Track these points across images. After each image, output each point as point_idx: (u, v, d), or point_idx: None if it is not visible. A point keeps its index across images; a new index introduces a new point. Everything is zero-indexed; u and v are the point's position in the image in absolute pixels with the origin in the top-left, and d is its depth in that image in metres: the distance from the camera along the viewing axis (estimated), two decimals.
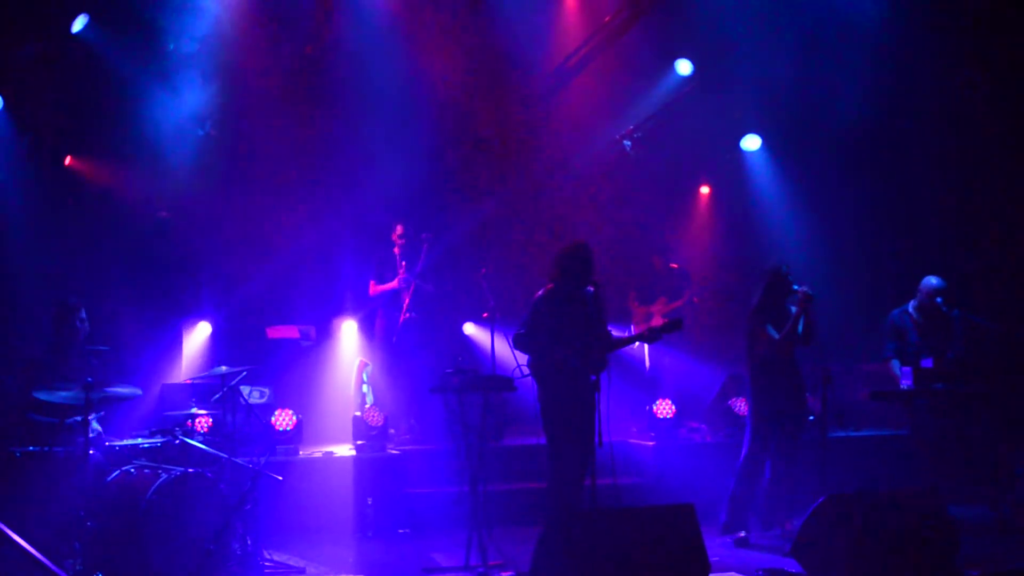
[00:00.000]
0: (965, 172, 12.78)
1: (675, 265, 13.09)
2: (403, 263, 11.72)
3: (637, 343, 9.88)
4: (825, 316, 9.62)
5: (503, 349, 9.43)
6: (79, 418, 8.12)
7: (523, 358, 8.57)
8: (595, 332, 8.39)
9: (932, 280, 10.12)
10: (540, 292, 8.51)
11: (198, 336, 12.06)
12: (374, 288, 11.89)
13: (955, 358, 9.99)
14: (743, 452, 9.33)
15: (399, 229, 11.87)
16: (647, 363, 12.46)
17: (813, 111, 12.84)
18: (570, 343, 8.28)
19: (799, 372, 9.31)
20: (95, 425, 8.60)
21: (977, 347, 10.26)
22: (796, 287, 9.15)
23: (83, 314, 8.87)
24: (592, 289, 8.41)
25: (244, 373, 8.75)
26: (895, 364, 10.12)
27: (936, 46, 11.99)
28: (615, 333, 8.64)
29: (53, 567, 4.42)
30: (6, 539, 4.45)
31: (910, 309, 10.24)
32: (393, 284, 11.73)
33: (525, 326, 8.42)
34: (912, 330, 10.16)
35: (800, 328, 9.14)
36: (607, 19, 12.45)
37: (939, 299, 9.99)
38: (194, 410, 8.95)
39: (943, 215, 13.00)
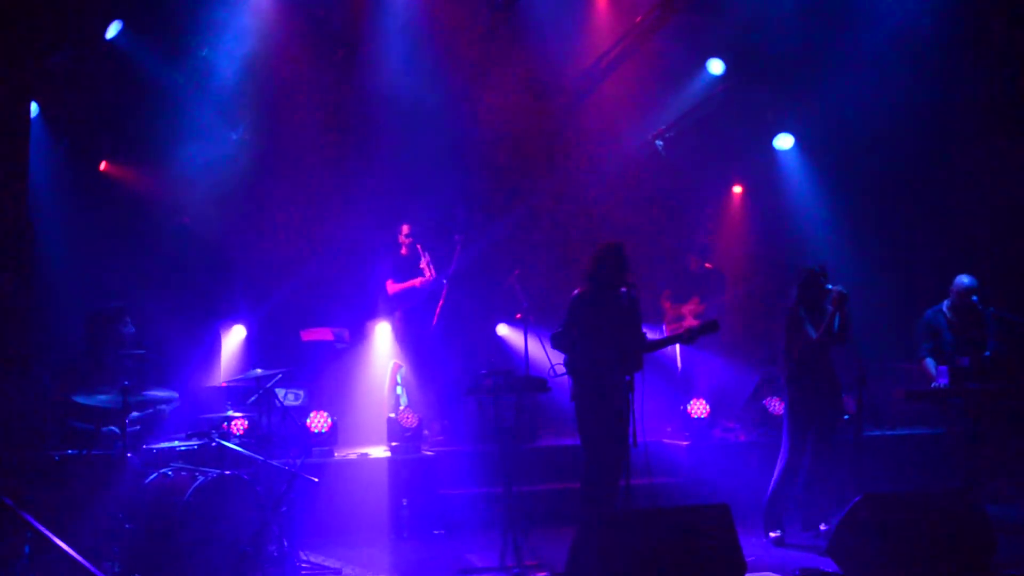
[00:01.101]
0: (1000, 169, 12.67)
1: (710, 265, 13.05)
2: (426, 257, 11.76)
3: (675, 344, 9.84)
4: (859, 315, 9.58)
5: (536, 350, 9.46)
6: (115, 428, 8.19)
7: (557, 357, 8.57)
8: (631, 333, 8.39)
9: (964, 279, 10.07)
10: (576, 292, 8.51)
11: (233, 339, 12.12)
12: (392, 287, 11.93)
13: (991, 356, 9.92)
14: (781, 452, 9.30)
15: (405, 229, 11.95)
16: (679, 363, 12.42)
17: (846, 109, 12.77)
18: (608, 343, 8.28)
19: (834, 371, 9.30)
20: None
21: (1012, 345, 10.19)
22: (830, 286, 9.13)
23: (127, 319, 8.90)
24: (626, 290, 8.41)
25: (279, 376, 8.80)
26: (930, 363, 10.07)
27: (975, 43, 11.91)
28: (649, 335, 8.63)
29: (93, 569, 4.46)
30: (47, 542, 4.50)
31: (944, 309, 10.19)
32: (415, 282, 11.77)
33: (563, 325, 8.43)
34: (947, 329, 10.11)
35: (835, 327, 9.13)
36: (638, 19, 12.43)
37: (974, 297, 9.93)
38: (230, 413, 8.99)
39: (977, 213, 12.89)
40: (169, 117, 11.63)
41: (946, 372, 9.74)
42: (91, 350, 8.81)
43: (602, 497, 8.31)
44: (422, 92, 12.44)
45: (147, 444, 8.54)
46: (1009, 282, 11.50)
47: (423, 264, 11.81)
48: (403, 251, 11.94)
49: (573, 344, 8.38)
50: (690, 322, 12.26)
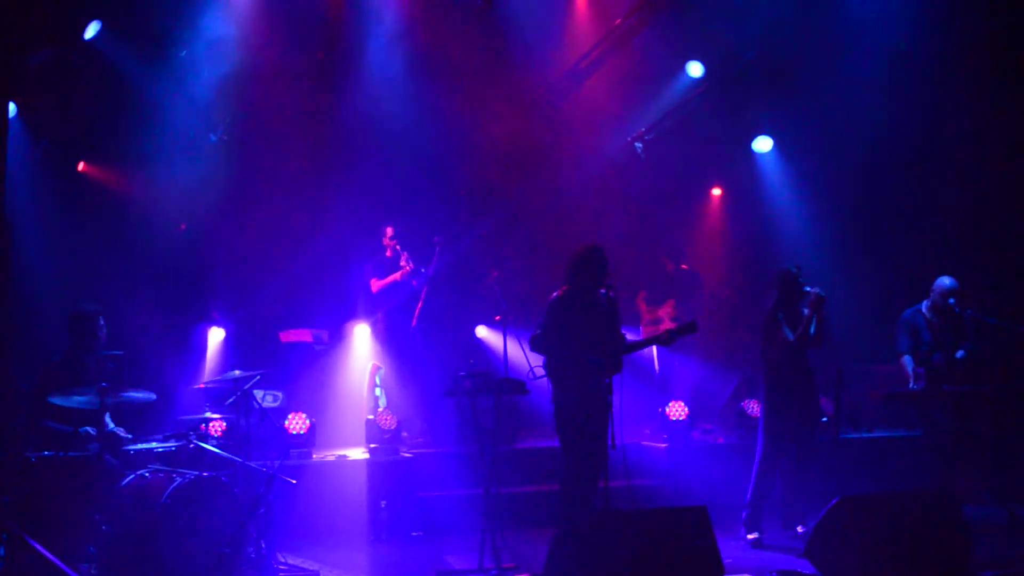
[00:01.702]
0: (979, 172, 12.74)
1: (685, 266, 13.08)
2: (404, 254, 11.79)
3: (653, 345, 9.86)
4: (837, 317, 9.62)
5: (515, 352, 9.46)
6: (92, 430, 8.18)
7: (536, 360, 8.58)
8: (610, 335, 8.41)
9: (946, 280, 10.11)
10: (555, 294, 8.52)
11: (212, 341, 12.09)
12: (376, 285, 11.95)
13: (965, 357, 9.97)
14: (757, 454, 9.34)
15: (389, 231, 11.99)
16: (657, 366, 12.45)
17: (825, 112, 12.83)
18: (587, 345, 8.29)
19: (812, 374, 9.32)
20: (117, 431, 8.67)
21: (989, 347, 10.24)
22: (808, 289, 9.16)
23: (101, 321, 8.91)
24: (606, 292, 8.42)
25: (258, 377, 8.79)
26: (907, 360, 10.10)
27: (953, 45, 11.97)
28: (628, 336, 8.66)
29: (69, 571, 4.44)
30: (24, 543, 4.48)
31: (923, 309, 10.23)
32: (396, 276, 11.80)
33: (541, 328, 8.44)
34: (925, 329, 10.15)
35: (813, 330, 9.16)
36: (617, 22, 12.46)
37: (952, 300, 9.97)
38: (208, 414, 8.97)
39: (956, 215, 12.96)
40: (148, 118, 11.61)
41: (923, 375, 9.80)
42: (71, 351, 8.78)
43: (580, 498, 8.32)
44: (402, 95, 12.44)
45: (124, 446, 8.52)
46: (986, 285, 11.57)
47: (402, 261, 11.83)
48: (387, 253, 11.96)
49: (551, 346, 8.39)
50: (667, 324, 12.29)
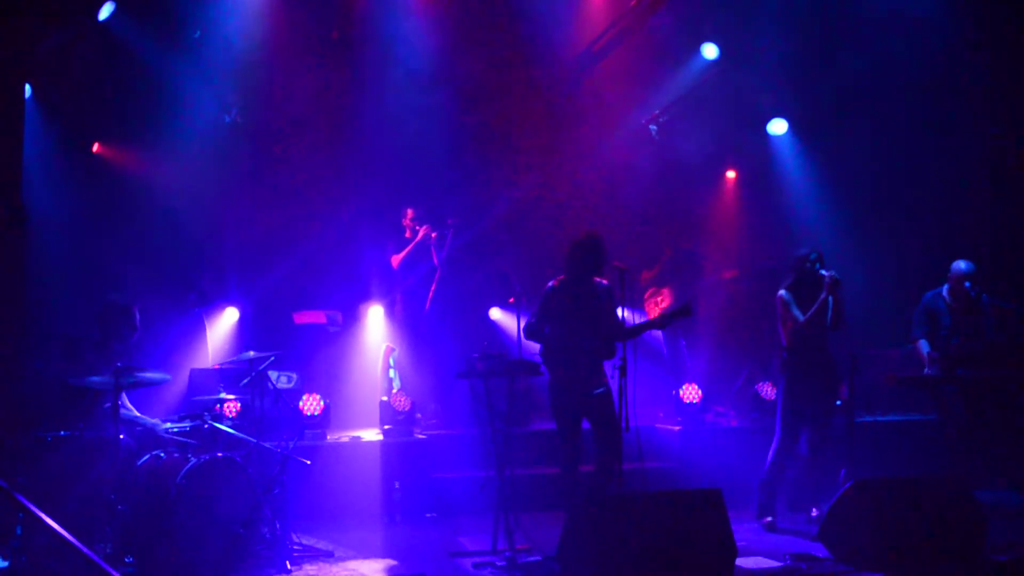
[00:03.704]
0: (998, 155, 12.68)
1: (688, 245, 13.04)
2: (426, 227, 11.81)
3: (651, 329, 9.86)
4: (853, 301, 9.59)
5: None
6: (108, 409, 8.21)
7: (534, 348, 8.69)
8: (605, 322, 8.49)
9: (961, 264, 10.06)
10: (551, 283, 8.63)
11: (226, 322, 12.11)
12: (396, 259, 11.97)
13: (982, 343, 9.93)
14: (774, 438, 9.32)
15: (410, 213, 12.01)
16: (664, 349, 12.43)
17: (840, 94, 12.78)
18: (579, 332, 8.36)
19: (828, 357, 9.30)
20: (132, 410, 8.70)
21: (1007, 332, 10.20)
22: (824, 272, 9.13)
23: (136, 312, 8.89)
24: (606, 282, 8.50)
25: (272, 358, 8.81)
26: (923, 344, 10.06)
27: (973, 23, 11.89)
28: (636, 319, 8.69)
29: (85, 550, 4.46)
30: (40, 522, 4.50)
31: (944, 293, 10.18)
32: (415, 242, 11.81)
33: (535, 315, 8.51)
34: (945, 313, 10.11)
35: (829, 313, 9.14)
36: (632, 3, 12.41)
37: (967, 284, 9.93)
38: (223, 395, 8.99)
39: (973, 199, 12.90)
40: (162, 100, 11.62)
41: (937, 359, 9.77)
42: (100, 338, 8.78)
43: (564, 480, 8.53)
44: (416, 76, 12.41)
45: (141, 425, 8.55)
46: (1005, 269, 11.51)
47: (420, 234, 11.84)
48: (407, 234, 11.97)
49: (545, 335, 8.47)
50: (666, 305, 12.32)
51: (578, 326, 8.43)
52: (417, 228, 11.93)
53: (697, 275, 13.03)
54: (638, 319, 8.89)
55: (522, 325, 8.71)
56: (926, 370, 9.89)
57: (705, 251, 13.52)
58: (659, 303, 12.70)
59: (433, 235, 11.86)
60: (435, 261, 11.93)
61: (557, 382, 8.53)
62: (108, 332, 8.76)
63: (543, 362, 8.60)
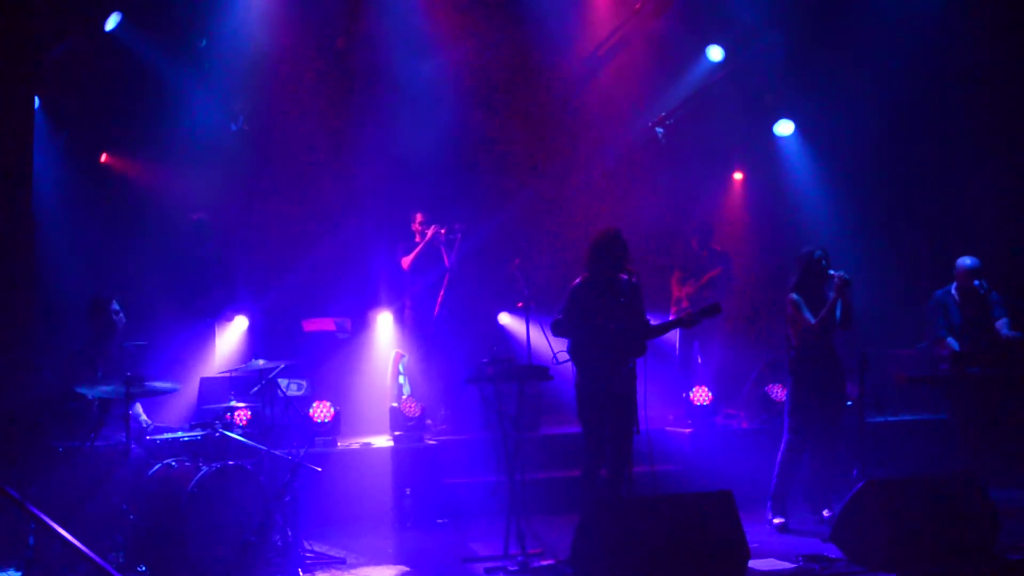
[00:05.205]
0: (1004, 153, 12.66)
1: (717, 247, 13.02)
2: (434, 226, 11.80)
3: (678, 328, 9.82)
4: (862, 301, 9.58)
5: (538, 339, 9.46)
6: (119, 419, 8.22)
7: (560, 344, 8.60)
8: (633, 319, 8.41)
9: (967, 261, 10.07)
10: (577, 280, 8.53)
11: (235, 330, 12.10)
12: (406, 261, 11.95)
13: (993, 340, 9.92)
14: (783, 439, 9.32)
15: (419, 217, 11.99)
16: (678, 350, 12.40)
17: (847, 94, 12.77)
18: (608, 330, 8.30)
19: (837, 357, 9.30)
20: (143, 417, 8.72)
21: (1016, 329, 10.17)
22: (832, 272, 9.13)
23: (115, 305, 8.94)
24: (627, 277, 8.42)
25: (282, 366, 8.82)
26: (951, 341, 10.07)
27: (973, 23, 11.88)
28: (654, 321, 8.65)
29: (98, 559, 4.47)
30: (52, 533, 4.51)
31: (952, 290, 10.19)
32: (425, 239, 11.79)
33: (563, 312, 8.44)
34: (956, 311, 10.11)
35: (838, 313, 9.14)
36: (637, 6, 12.42)
37: (976, 281, 9.92)
38: (233, 403, 9.01)
39: (980, 197, 12.87)
40: (169, 109, 11.65)
41: (948, 357, 9.76)
42: (92, 338, 8.83)
43: (587, 482, 8.43)
44: (423, 82, 12.44)
45: (151, 435, 8.55)
46: (1013, 266, 11.49)
47: (429, 233, 11.84)
48: (416, 239, 11.97)
49: (574, 330, 8.40)
50: (686, 304, 12.22)
51: (608, 323, 8.37)
52: (426, 231, 11.93)
53: (730, 273, 12.95)
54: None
55: (549, 322, 8.63)
56: (941, 366, 9.88)
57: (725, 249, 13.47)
58: (678, 301, 12.57)
59: (442, 231, 11.83)
60: (446, 262, 11.91)
61: (587, 379, 8.40)
62: (96, 330, 8.81)
63: (571, 359, 8.49)
